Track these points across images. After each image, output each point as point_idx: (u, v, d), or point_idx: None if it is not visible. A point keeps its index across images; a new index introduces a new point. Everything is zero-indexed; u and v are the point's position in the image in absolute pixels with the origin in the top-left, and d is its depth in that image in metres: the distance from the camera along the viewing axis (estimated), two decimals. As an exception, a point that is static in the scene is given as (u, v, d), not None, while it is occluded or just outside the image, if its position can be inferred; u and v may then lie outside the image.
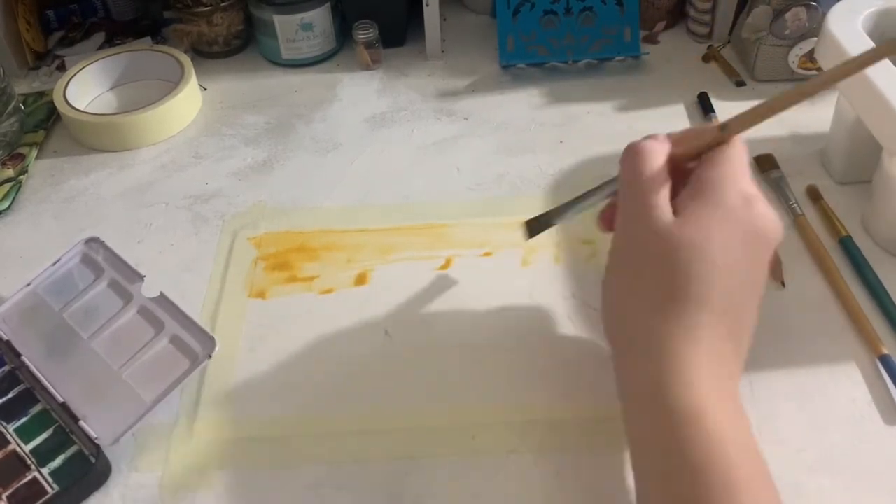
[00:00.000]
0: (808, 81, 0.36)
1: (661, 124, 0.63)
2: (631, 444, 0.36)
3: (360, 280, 0.51)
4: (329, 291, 0.51)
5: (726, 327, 0.34)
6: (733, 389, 0.34)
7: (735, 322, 0.35)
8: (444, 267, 0.52)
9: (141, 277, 0.48)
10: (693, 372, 0.33)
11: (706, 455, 0.31)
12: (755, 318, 0.36)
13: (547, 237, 0.53)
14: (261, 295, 0.51)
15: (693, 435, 0.32)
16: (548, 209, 0.46)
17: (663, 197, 0.36)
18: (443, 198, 0.57)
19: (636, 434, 0.35)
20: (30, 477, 0.41)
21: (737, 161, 0.36)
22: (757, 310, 0.36)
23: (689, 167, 0.38)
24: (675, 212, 0.36)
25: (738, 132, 0.37)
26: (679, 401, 0.32)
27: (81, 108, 0.65)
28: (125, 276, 0.49)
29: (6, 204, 0.59)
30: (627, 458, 0.40)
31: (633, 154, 0.38)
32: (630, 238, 0.37)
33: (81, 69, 0.68)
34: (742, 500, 0.30)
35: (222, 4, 0.71)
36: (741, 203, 0.35)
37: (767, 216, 0.35)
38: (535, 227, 0.47)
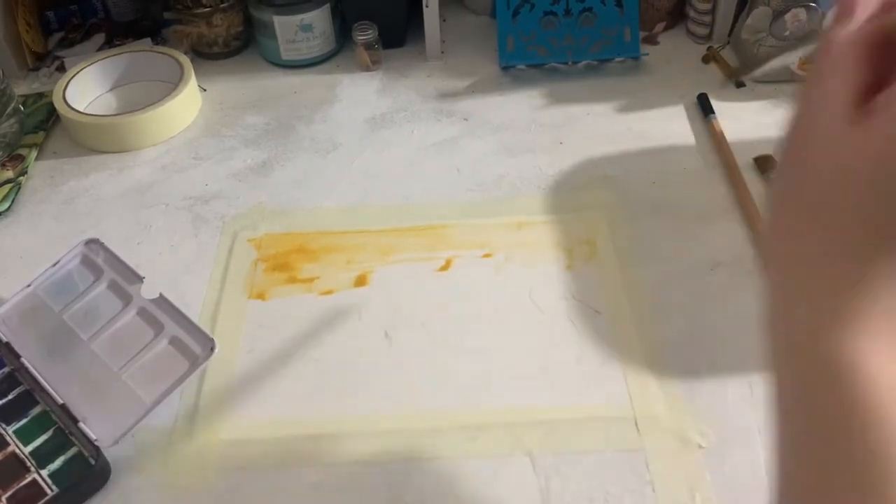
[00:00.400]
0: None
1: (660, 125, 0.63)
2: (778, 411, 0.27)
3: (360, 281, 0.51)
4: (329, 292, 0.51)
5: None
6: None
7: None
8: (444, 268, 0.52)
9: (140, 279, 0.48)
10: (851, 313, 0.25)
11: (856, 413, 0.24)
12: None
13: (547, 237, 0.53)
14: (260, 296, 0.51)
15: (843, 386, 0.24)
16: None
17: (850, 94, 0.25)
18: (443, 198, 0.57)
19: (785, 394, 0.27)
20: (29, 478, 0.41)
21: None
22: None
23: None
24: (873, 114, 0.25)
25: None
26: (828, 344, 0.25)
27: (81, 110, 0.65)
28: (125, 278, 0.49)
29: (6, 205, 0.59)
30: (627, 458, 0.40)
31: (824, 49, 0.27)
32: (809, 164, 0.27)
33: (81, 70, 0.68)
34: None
35: (222, 6, 0.71)
36: None
37: None
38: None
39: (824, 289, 0.26)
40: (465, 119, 0.65)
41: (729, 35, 0.71)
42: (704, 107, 0.63)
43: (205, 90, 0.70)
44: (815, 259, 0.27)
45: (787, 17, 0.62)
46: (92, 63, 0.69)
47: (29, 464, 0.42)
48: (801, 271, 0.27)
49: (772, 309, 0.28)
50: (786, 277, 0.28)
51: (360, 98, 0.68)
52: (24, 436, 0.43)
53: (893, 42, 0.26)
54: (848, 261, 0.26)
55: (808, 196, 0.27)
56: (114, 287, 0.49)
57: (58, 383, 0.44)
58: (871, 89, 0.26)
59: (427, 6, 0.69)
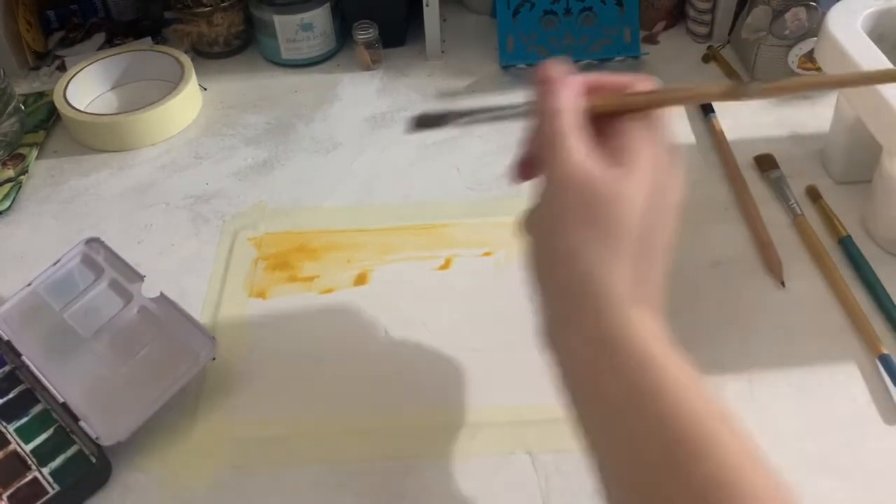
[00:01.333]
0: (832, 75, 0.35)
1: (660, 124, 0.63)
2: (582, 420, 0.34)
3: (360, 280, 0.51)
4: (329, 291, 0.51)
5: (645, 279, 0.34)
6: (656, 312, 0.35)
7: (649, 274, 0.35)
8: (444, 267, 0.52)
9: (141, 277, 0.48)
10: (613, 289, 0.33)
11: (666, 407, 0.31)
12: (662, 283, 0.36)
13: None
14: (261, 295, 0.51)
15: (620, 351, 0.32)
16: (446, 111, 0.42)
17: (588, 153, 0.34)
18: (443, 197, 0.57)
19: (567, 370, 0.35)
20: (30, 477, 0.41)
21: (661, 128, 0.36)
22: (667, 261, 0.36)
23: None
24: (616, 161, 0.34)
25: (756, 95, 0.35)
26: (606, 317, 0.33)
27: (82, 109, 0.65)
28: (125, 277, 0.49)
29: (6, 204, 0.59)
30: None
31: (550, 91, 0.36)
32: (558, 194, 0.35)
33: (82, 69, 0.68)
34: (713, 442, 0.30)
35: (222, 5, 0.71)
36: (663, 167, 0.35)
37: (679, 185, 0.36)
38: (425, 121, 0.43)
39: (591, 277, 0.33)
40: (466, 118, 0.65)
41: (729, 34, 0.71)
42: (704, 106, 0.63)
43: (205, 89, 0.70)
44: (561, 256, 0.34)
45: (787, 16, 0.62)
46: (92, 62, 0.69)
47: (30, 462, 0.42)
48: (560, 265, 0.35)
49: (557, 331, 0.36)
50: (550, 273, 0.35)
51: (360, 97, 0.68)
52: (25, 434, 0.43)
53: (599, 115, 0.36)
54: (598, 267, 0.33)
55: (559, 211, 0.35)
56: (114, 286, 0.49)
57: (58, 382, 0.44)
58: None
59: (427, 5, 0.69)
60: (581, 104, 0.36)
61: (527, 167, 0.40)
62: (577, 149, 0.35)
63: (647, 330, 0.33)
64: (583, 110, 0.36)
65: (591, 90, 0.37)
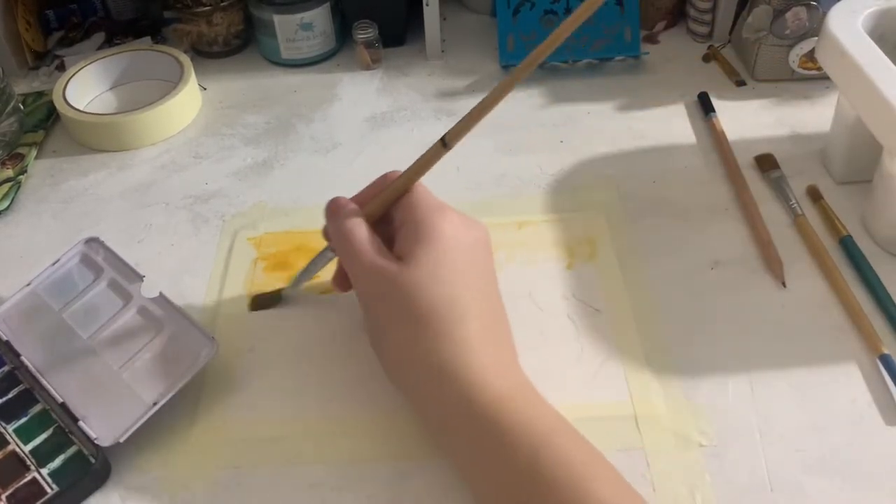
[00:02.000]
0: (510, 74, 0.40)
1: (660, 124, 0.63)
2: (452, 455, 0.39)
3: (360, 280, 0.51)
4: (329, 291, 0.51)
5: (489, 327, 0.39)
6: (521, 376, 0.39)
7: (493, 320, 0.40)
8: (444, 267, 0.52)
9: (140, 277, 0.48)
10: (479, 375, 0.37)
11: (519, 438, 0.35)
12: (503, 309, 0.41)
13: (547, 237, 0.53)
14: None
15: (503, 426, 0.35)
16: (279, 288, 0.50)
17: (381, 254, 0.40)
18: (442, 197, 0.57)
19: (452, 444, 0.38)
20: (29, 477, 0.41)
21: (426, 197, 0.41)
22: (501, 301, 0.41)
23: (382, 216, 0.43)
24: (401, 257, 0.39)
25: (455, 140, 0.41)
26: (480, 402, 0.36)
27: (81, 108, 0.65)
28: (125, 277, 0.49)
29: (5, 204, 0.59)
30: (627, 458, 0.40)
31: (336, 235, 0.42)
32: (374, 299, 0.40)
33: (81, 69, 0.68)
34: (563, 464, 0.34)
35: (222, 4, 0.71)
36: (451, 227, 0.40)
37: (475, 226, 0.41)
38: (262, 302, 0.50)
39: (447, 369, 0.37)
40: (466, 118, 0.65)
41: (730, 34, 0.71)
42: (705, 106, 0.63)
43: (205, 89, 0.70)
44: (422, 354, 0.38)
45: (788, 15, 0.62)
46: (92, 62, 0.69)
47: (29, 462, 0.42)
48: (413, 362, 0.39)
49: (423, 406, 0.40)
50: (407, 371, 0.40)
51: (360, 97, 0.68)
52: (24, 434, 0.43)
53: (377, 220, 0.42)
54: (438, 349, 0.38)
55: (384, 314, 0.40)
56: (114, 286, 0.49)
57: (58, 382, 0.44)
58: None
59: (427, 5, 0.69)
60: (359, 219, 0.42)
61: (344, 280, 0.46)
62: (367, 252, 0.40)
63: (511, 396, 0.37)
64: (363, 222, 0.41)
65: (363, 203, 0.43)
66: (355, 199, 0.43)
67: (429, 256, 0.38)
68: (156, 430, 0.43)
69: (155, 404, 0.42)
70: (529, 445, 0.34)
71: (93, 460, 0.41)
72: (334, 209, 0.43)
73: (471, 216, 0.42)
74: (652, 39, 0.73)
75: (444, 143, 0.41)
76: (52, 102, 0.66)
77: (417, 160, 0.42)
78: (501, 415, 0.35)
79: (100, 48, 0.75)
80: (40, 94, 0.70)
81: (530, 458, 0.34)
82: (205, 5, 0.70)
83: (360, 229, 0.41)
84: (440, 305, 0.38)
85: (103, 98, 0.70)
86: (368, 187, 0.44)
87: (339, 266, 0.46)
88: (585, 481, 0.33)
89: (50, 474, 0.41)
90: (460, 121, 0.41)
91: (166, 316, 0.46)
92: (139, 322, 0.47)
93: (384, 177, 0.44)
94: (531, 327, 0.48)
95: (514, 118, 0.64)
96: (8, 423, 0.44)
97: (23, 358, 0.45)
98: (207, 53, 0.74)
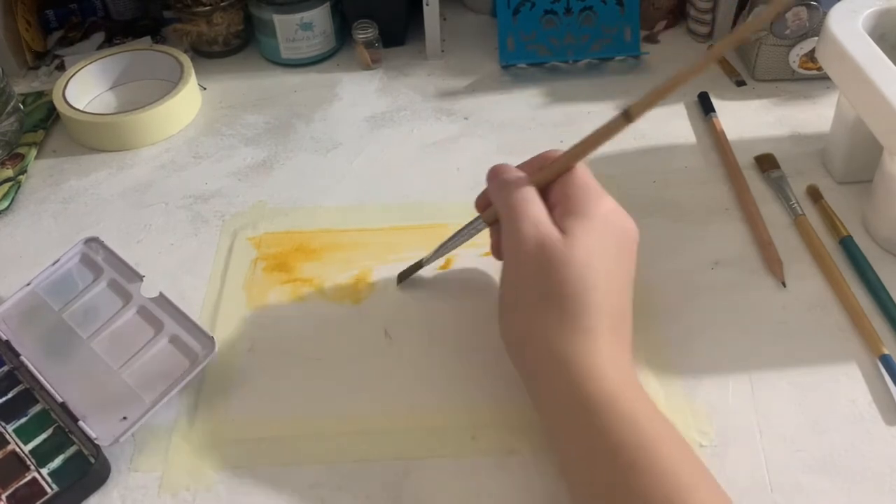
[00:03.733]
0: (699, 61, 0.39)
1: (661, 124, 0.63)
2: (555, 441, 0.38)
3: (360, 280, 0.51)
4: (329, 291, 0.51)
5: (616, 325, 0.38)
6: (635, 378, 0.38)
7: (621, 319, 0.39)
8: (445, 266, 0.52)
9: (140, 277, 0.48)
10: (600, 368, 0.36)
11: (624, 435, 0.34)
12: (631, 312, 0.40)
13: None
14: (261, 294, 0.51)
15: (612, 421, 0.35)
16: (419, 259, 0.50)
17: (548, 220, 0.39)
18: (443, 198, 0.57)
19: (562, 438, 0.37)
20: (29, 477, 0.41)
21: (589, 179, 0.41)
22: (631, 300, 0.40)
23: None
24: (563, 228, 0.39)
25: (639, 114, 0.41)
26: (594, 395, 0.36)
27: (81, 108, 0.65)
28: (125, 276, 0.49)
29: (5, 204, 0.59)
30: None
31: (503, 190, 0.41)
32: (525, 266, 0.39)
33: (81, 69, 0.68)
34: (662, 471, 0.33)
35: (222, 4, 0.70)
36: (609, 213, 0.40)
37: (629, 221, 0.41)
38: (406, 274, 0.50)
39: (567, 355, 0.37)
40: (466, 118, 0.65)
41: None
42: (705, 106, 0.63)
43: (205, 89, 0.70)
44: (543, 340, 0.38)
45: (788, 15, 0.62)
46: (92, 62, 0.69)
47: (29, 462, 0.42)
48: (544, 348, 0.38)
49: (535, 385, 0.39)
50: (527, 349, 0.39)
51: (360, 97, 0.68)
52: (24, 434, 0.43)
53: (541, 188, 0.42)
54: (565, 334, 0.37)
55: (529, 285, 0.39)
56: (113, 286, 0.49)
57: (57, 382, 0.44)
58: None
59: (427, 5, 0.69)
60: (532, 188, 0.41)
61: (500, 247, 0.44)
62: (543, 222, 0.39)
63: (621, 392, 0.36)
64: (535, 192, 0.41)
65: (528, 173, 0.42)
66: (519, 168, 0.43)
67: (587, 235, 0.38)
68: (156, 430, 0.43)
69: (155, 404, 0.42)
70: (634, 447, 0.34)
71: (93, 460, 0.41)
72: (503, 178, 0.42)
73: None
74: (652, 39, 0.73)
75: (627, 116, 0.40)
76: (51, 102, 0.66)
77: (589, 135, 0.41)
78: (611, 412, 0.35)
79: (100, 48, 0.75)
80: (40, 93, 0.70)
81: (631, 461, 0.33)
82: (205, 5, 0.70)
83: (533, 197, 0.40)
84: (582, 292, 0.37)
85: (103, 98, 0.70)
86: (528, 162, 0.44)
87: (498, 236, 0.45)
88: (684, 493, 0.33)
89: (50, 474, 0.41)
90: (647, 94, 0.40)
91: (166, 316, 0.46)
92: (139, 322, 0.47)
93: (546, 153, 0.43)
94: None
95: (514, 118, 0.64)
96: (8, 423, 0.44)
97: (23, 358, 0.45)
98: (207, 53, 0.74)
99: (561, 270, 0.37)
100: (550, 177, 0.41)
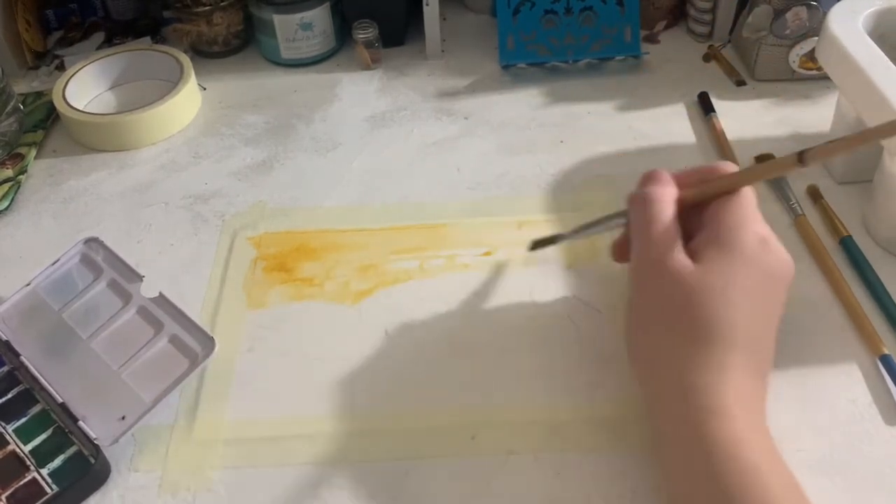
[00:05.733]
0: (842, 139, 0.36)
1: (661, 124, 0.63)
2: (665, 472, 0.37)
3: (360, 280, 0.51)
4: (329, 291, 0.51)
5: (753, 363, 0.36)
6: (764, 422, 0.36)
7: (759, 357, 0.37)
8: (445, 267, 0.52)
9: (140, 277, 0.48)
10: (727, 407, 0.34)
11: (744, 485, 0.32)
12: (773, 350, 0.38)
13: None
14: (260, 295, 0.51)
15: (731, 466, 0.33)
16: (556, 233, 0.49)
17: (679, 248, 0.38)
18: (443, 197, 0.57)
19: (674, 469, 0.36)
20: (29, 477, 0.41)
21: (749, 206, 0.38)
22: (775, 342, 0.38)
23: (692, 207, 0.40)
24: (694, 257, 0.37)
25: (815, 161, 0.37)
26: (716, 434, 0.34)
27: (81, 108, 0.65)
28: (125, 277, 0.49)
29: (5, 204, 0.59)
30: (627, 458, 0.40)
31: (642, 204, 0.39)
32: (652, 289, 0.38)
33: (81, 69, 0.68)
34: None
35: (222, 4, 0.70)
36: (758, 246, 0.37)
37: (782, 258, 0.38)
38: (540, 243, 0.49)
39: (692, 388, 0.35)
40: (466, 118, 0.65)
41: (730, 34, 0.71)
42: (705, 106, 0.63)
43: (204, 89, 0.70)
44: (672, 369, 0.36)
45: (788, 15, 0.62)
46: (91, 62, 0.69)
47: (28, 462, 0.42)
48: (669, 376, 0.36)
49: (657, 412, 0.37)
50: (653, 373, 0.38)
51: (360, 97, 0.68)
52: (24, 434, 0.43)
53: (688, 207, 0.39)
54: (697, 367, 0.35)
55: (656, 309, 0.38)
56: (113, 286, 0.49)
57: (57, 382, 0.44)
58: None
59: (427, 5, 0.69)
60: (670, 203, 0.39)
61: (625, 252, 0.42)
62: (663, 242, 0.38)
63: (747, 439, 0.34)
64: (673, 208, 0.39)
65: (682, 185, 0.40)
66: (676, 177, 0.41)
67: (724, 269, 0.36)
68: (156, 430, 0.43)
69: (155, 404, 0.42)
70: (750, 499, 0.32)
71: (93, 460, 0.41)
72: (646, 192, 0.40)
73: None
74: (652, 39, 0.73)
75: (801, 160, 0.37)
76: (51, 102, 0.66)
77: (761, 165, 0.40)
78: (731, 457, 0.33)
79: (99, 48, 0.75)
80: (40, 93, 0.70)
81: None
82: (205, 5, 0.70)
83: (665, 214, 0.38)
84: (715, 323, 0.36)
85: (103, 98, 0.70)
86: (693, 170, 0.41)
87: (626, 237, 0.43)
88: None
89: (50, 474, 0.41)
90: (829, 143, 0.36)
91: (166, 316, 0.46)
92: (139, 322, 0.47)
93: (714, 167, 0.41)
94: (531, 327, 0.48)
95: (514, 118, 0.64)
96: (8, 423, 0.44)
97: (23, 358, 0.45)
98: (207, 53, 0.74)
99: (687, 300, 0.36)
100: (710, 194, 0.39)
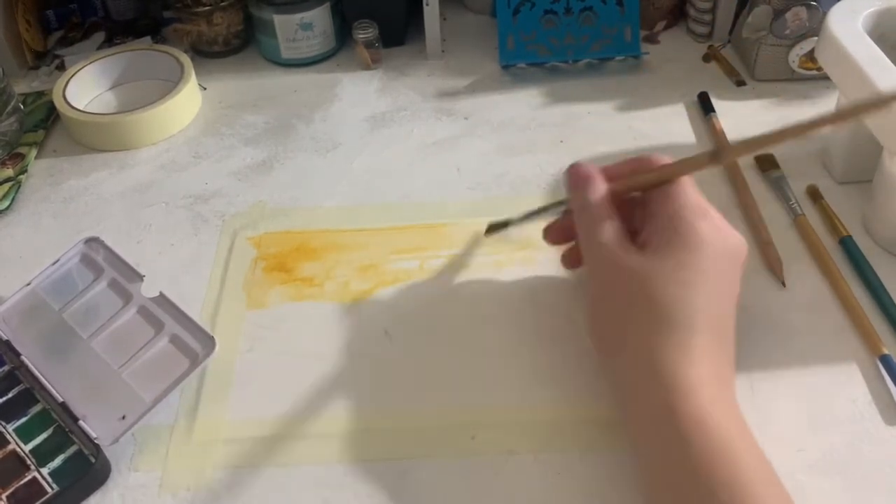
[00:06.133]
0: (803, 121, 0.37)
1: (661, 124, 0.63)
2: (640, 456, 0.37)
3: (360, 280, 0.51)
4: (329, 291, 0.51)
5: (715, 344, 0.37)
6: (731, 396, 0.37)
7: (721, 335, 0.38)
8: (445, 267, 0.52)
9: (140, 277, 0.48)
10: (693, 384, 0.35)
11: (712, 457, 0.33)
12: (734, 326, 0.39)
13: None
14: (260, 294, 0.51)
15: (699, 440, 0.33)
16: (507, 218, 0.50)
17: (626, 242, 0.39)
18: (443, 197, 0.57)
19: (644, 447, 0.36)
20: (29, 477, 0.41)
21: (692, 192, 0.40)
22: (735, 318, 0.39)
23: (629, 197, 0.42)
24: (645, 247, 0.38)
25: (730, 159, 0.40)
26: (684, 411, 0.34)
27: (81, 108, 0.65)
28: (125, 276, 0.49)
29: (6, 204, 0.59)
30: (627, 458, 0.40)
31: (578, 183, 0.41)
32: (608, 283, 0.39)
33: (81, 69, 0.68)
34: (749, 499, 0.32)
35: (222, 4, 0.70)
36: (708, 229, 0.38)
37: (734, 238, 0.39)
38: (494, 228, 0.51)
39: (658, 368, 0.35)
40: (466, 118, 0.65)
41: (730, 34, 0.71)
42: (705, 105, 0.63)
43: (205, 89, 0.70)
44: (635, 355, 0.37)
45: (788, 15, 0.62)
46: (92, 62, 0.69)
47: (29, 462, 0.42)
48: (633, 356, 0.37)
49: (622, 390, 0.38)
50: (619, 361, 0.38)
51: (360, 97, 0.68)
52: (24, 434, 0.43)
53: (621, 197, 0.41)
54: (658, 351, 0.36)
55: (615, 301, 0.38)
56: (114, 285, 0.49)
57: (58, 381, 0.44)
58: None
59: (427, 5, 0.69)
60: (605, 199, 0.40)
61: (558, 234, 0.46)
62: (610, 239, 0.39)
63: (716, 413, 0.34)
64: (609, 204, 0.40)
65: (611, 177, 0.42)
66: (605, 171, 0.42)
67: (677, 255, 0.37)
68: (156, 430, 0.43)
69: (155, 404, 0.42)
70: (717, 466, 0.33)
71: (93, 460, 0.41)
72: (580, 179, 0.41)
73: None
74: (652, 39, 0.73)
75: (714, 158, 0.40)
76: (52, 102, 0.66)
77: (691, 158, 0.40)
78: (697, 435, 0.33)
79: (100, 48, 0.75)
80: (40, 93, 0.70)
81: (713, 482, 0.32)
82: (205, 5, 0.70)
83: (604, 210, 0.40)
84: (673, 307, 0.36)
85: (103, 98, 0.70)
86: (622, 163, 0.43)
87: (574, 245, 0.46)
88: None
89: (50, 474, 0.41)
90: (748, 140, 0.39)
91: (166, 315, 0.46)
92: (139, 322, 0.47)
93: (642, 159, 0.42)
94: (531, 327, 0.48)
95: (514, 118, 0.64)
96: (8, 422, 0.44)
97: (23, 357, 0.46)
98: (207, 53, 0.74)
99: (643, 288, 0.37)
100: (643, 185, 0.41)
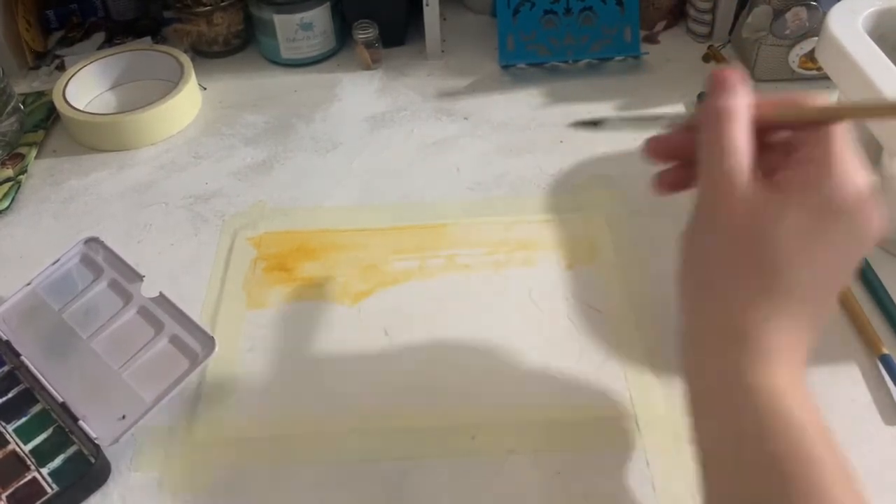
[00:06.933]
0: None
1: (661, 124, 0.63)
2: (698, 433, 0.33)
3: (360, 280, 0.51)
4: (329, 291, 0.51)
5: (809, 319, 0.32)
6: (804, 378, 0.32)
7: (817, 314, 0.33)
8: (445, 267, 0.52)
9: (140, 277, 0.48)
10: (774, 359, 0.31)
11: (786, 444, 0.30)
12: (829, 315, 0.34)
13: (549, 238, 0.53)
14: (260, 295, 0.51)
15: (773, 424, 0.30)
16: (602, 116, 0.42)
17: (756, 176, 0.32)
18: (443, 198, 0.57)
19: (705, 420, 0.33)
20: (29, 477, 0.41)
21: (849, 149, 0.32)
22: (835, 298, 0.34)
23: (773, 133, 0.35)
24: (778, 188, 0.32)
25: (847, 119, 0.32)
26: (759, 384, 0.31)
27: (81, 108, 0.65)
28: (125, 276, 0.49)
29: (6, 204, 0.59)
30: (627, 458, 0.40)
31: (716, 118, 0.33)
32: (719, 217, 0.33)
33: (81, 69, 0.68)
34: (824, 495, 0.29)
35: (222, 4, 0.70)
36: (854, 200, 0.32)
37: (875, 221, 0.32)
38: (583, 124, 0.42)
39: (742, 331, 0.32)
40: (466, 118, 0.65)
41: (729, 34, 0.71)
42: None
43: (205, 89, 0.70)
44: (724, 303, 0.32)
45: (788, 15, 0.62)
46: (92, 62, 0.69)
47: (29, 462, 0.42)
48: (714, 314, 0.33)
49: (693, 352, 0.34)
50: (701, 319, 0.34)
51: (360, 97, 0.68)
52: (24, 434, 0.43)
53: (765, 129, 0.34)
54: (750, 306, 0.32)
55: (717, 248, 0.33)
56: (114, 286, 0.49)
57: (58, 382, 0.44)
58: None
59: (427, 5, 0.69)
60: (751, 105, 0.33)
61: (664, 149, 0.37)
62: (738, 159, 0.32)
63: (791, 393, 0.31)
64: (751, 115, 0.33)
65: (761, 104, 0.34)
66: (756, 99, 0.34)
67: (810, 215, 0.31)
68: (156, 430, 0.43)
69: (155, 404, 0.42)
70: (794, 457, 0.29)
71: (93, 460, 0.41)
72: (726, 84, 0.34)
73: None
74: (652, 39, 0.73)
75: None
76: (52, 102, 0.66)
77: (871, 101, 0.34)
78: (774, 412, 0.30)
79: (100, 48, 0.75)
80: (40, 93, 0.70)
81: (785, 487, 0.29)
82: (205, 5, 0.70)
83: (742, 126, 0.33)
84: (786, 265, 0.31)
85: (103, 98, 0.70)
86: (773, 100, 0.34)
87: (667, 136, 0.37)
88: None
89: (50, 474, 0.41)
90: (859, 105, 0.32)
91: (166, 316, 0.46)
92: (139, 322, 0.47)
93: (797, 94, 0.34)
94: (531, 327, 0.48)
95: (514, 118, 0.64)
96: (8, 422, 0.44)
97: (23, 358, 0.45)
98: (207, 53, 0.74)
99: (763, 237, 0.31)
100: (796, 118, 0.33)
